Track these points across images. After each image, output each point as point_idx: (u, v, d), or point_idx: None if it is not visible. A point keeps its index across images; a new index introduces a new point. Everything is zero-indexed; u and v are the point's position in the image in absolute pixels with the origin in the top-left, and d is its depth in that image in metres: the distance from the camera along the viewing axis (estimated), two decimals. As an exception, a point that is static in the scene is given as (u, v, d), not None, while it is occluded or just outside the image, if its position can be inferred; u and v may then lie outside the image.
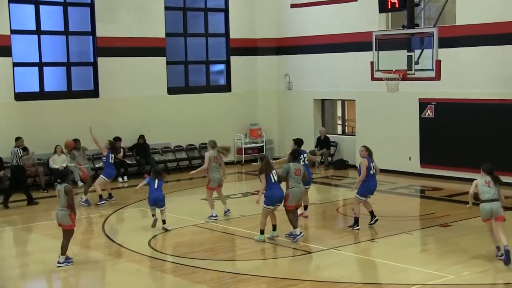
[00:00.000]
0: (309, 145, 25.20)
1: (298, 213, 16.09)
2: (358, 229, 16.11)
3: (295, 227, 15.11)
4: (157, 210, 16.45)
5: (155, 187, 16.53)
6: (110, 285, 12.97)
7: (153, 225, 16.44)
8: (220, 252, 14.71)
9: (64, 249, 13.51)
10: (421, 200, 20.43)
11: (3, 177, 21.29)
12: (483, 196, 13.41)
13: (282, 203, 15.04)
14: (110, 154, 19.89)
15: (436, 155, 22.59)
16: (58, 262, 13.49)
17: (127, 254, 14.42)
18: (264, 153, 26.90)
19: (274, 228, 15.16)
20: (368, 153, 16.13)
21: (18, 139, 20.49)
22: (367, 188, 16.15)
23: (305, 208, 17.32)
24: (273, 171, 15.06)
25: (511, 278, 12.36)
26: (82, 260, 14.35)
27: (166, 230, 16.29)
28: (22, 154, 20.07)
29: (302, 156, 16.77)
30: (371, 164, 16.09)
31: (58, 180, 13.61)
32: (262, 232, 15.10)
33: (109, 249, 14.98)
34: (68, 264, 13.50)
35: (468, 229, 15.78)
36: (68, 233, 13.54)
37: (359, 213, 16.26)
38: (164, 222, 16.39)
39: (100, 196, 19.45)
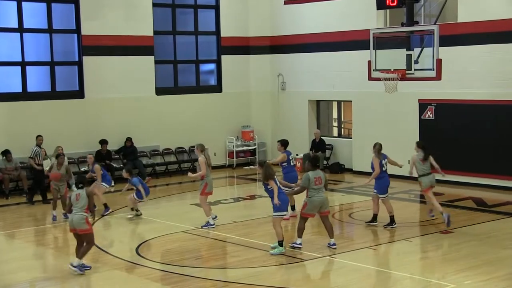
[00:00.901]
0: (304, 148, 25.25)
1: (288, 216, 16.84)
2: (396, 226, 16.71)
3: (299, 236, 15.02)
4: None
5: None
6: (96, 295, 12.95)
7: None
8: (210, 260, 14.69)
9: (83, 253, 13.42)
10: (421, 205, 20.40)
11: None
12: (420, 172, 17.02)
13: (301, 210, 14.97)
14: (96, 165, 19.36)
15: (436, 158, 22.51)
16: (71, 265, 13.44)
17: (114, 262, 14.36)
18: (257, 156, 26.92)
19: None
20: (377, 151, 16.77)
21: (38, 137, 21.31)
22: (383, 184, 16.79)
23: (293, 208, 17.66)
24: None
25: (515, 286, 12.38)
26: (63, 267, 14.35)
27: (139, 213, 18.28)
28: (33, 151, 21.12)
29: (290, 157, 17.51)
30: (383, 160, 16.77)
31: (80, 185, 13.56)
32: (281, 243, 14.54)
33: (95, 256, 14.89)
34: (87, 268, 13.44)
35: (470, 236, 15.78)
36: (88, 237, 13.44)
37: (392, 210, 16.78)
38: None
39: (105, 205, 19.09)
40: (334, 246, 14.94)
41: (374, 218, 17.10)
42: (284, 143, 17.68)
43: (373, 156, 16.80)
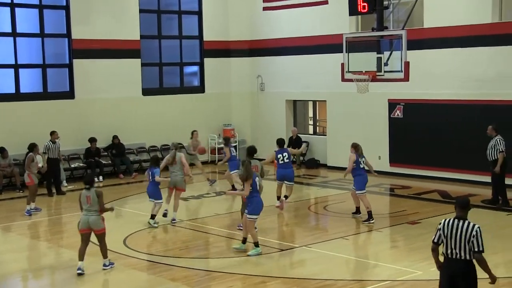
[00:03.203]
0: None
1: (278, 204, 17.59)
2: (373, 222, 16.39)
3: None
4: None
5: (150, 179, 16.57)
6: (85, 284, 12.82)
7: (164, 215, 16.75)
8: (193, 250, 14.67)
9: (105, 252, 13.03)
10: (391, 198, 20.49)
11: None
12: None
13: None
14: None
15: (405, 154, 22.69)
16: (104, 265, 13.07)
17: (103, 253, 14.29)
18: (237, 152, 26.86)
19: (244, 241, 14.19)
20: (354, 149, 16.75)
21: (52, 133, 20.96)
22: (361, 181, 16.76)
23: (286, 197, 18.21)
24: (257, 177, 14.06)
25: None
26: (56, 259, 14.28)
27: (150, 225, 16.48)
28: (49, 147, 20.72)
29: (285, 153, 17.86)
30: (360, 159, 16.72)
31: (87, 186, 12.89)
32: (257, 244, 13.95)
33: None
34: (112, 265, 13.14)
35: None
36: (102, 236, 12.93)
37: (370, 206, 16.58)
38: (152, 217, 16.50)
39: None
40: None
41: (358, 210, 17.03)
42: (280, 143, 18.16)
43: (351, 154, 16.74)
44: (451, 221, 8.95)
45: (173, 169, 16.98)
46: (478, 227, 8.78)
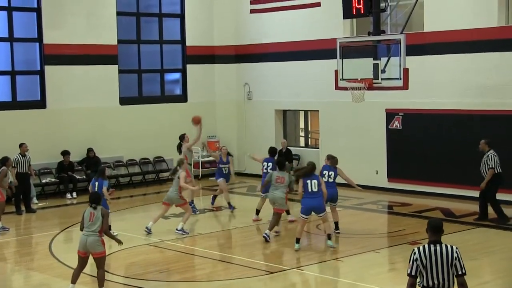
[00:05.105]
0: (270, 158, 25.13)
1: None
2: (338, 232, 17.19)
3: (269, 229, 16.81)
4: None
5: (95, 189, 16.50)
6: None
7: None
8: (175, 273, 14.54)
9: (102, 280, 12.61)
10: (389, 216, 20.47)
11: None
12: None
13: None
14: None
15: (404, 168, 22.66)
16: None
17: (76, 276, 14.17)
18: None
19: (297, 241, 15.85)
20: (332, 161, 17.40)
21: (21, 145, 20.90)
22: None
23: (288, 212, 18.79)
24: (312, 180, 15.72)
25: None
26: (25, 283, 14.14)
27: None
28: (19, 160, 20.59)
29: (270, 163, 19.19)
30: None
31: (93, 205, 12.46)
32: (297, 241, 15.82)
33: (56, 271, 14.68)
34: None
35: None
36: (102, 261, 12.59)
37: (338, 218, 17.50)
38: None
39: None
40: (266, 237, 16.53)
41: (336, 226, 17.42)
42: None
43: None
44: (427, 248, 8.57)
45: (172, 185, 18.01)
46: (457, 248, 8.65)
